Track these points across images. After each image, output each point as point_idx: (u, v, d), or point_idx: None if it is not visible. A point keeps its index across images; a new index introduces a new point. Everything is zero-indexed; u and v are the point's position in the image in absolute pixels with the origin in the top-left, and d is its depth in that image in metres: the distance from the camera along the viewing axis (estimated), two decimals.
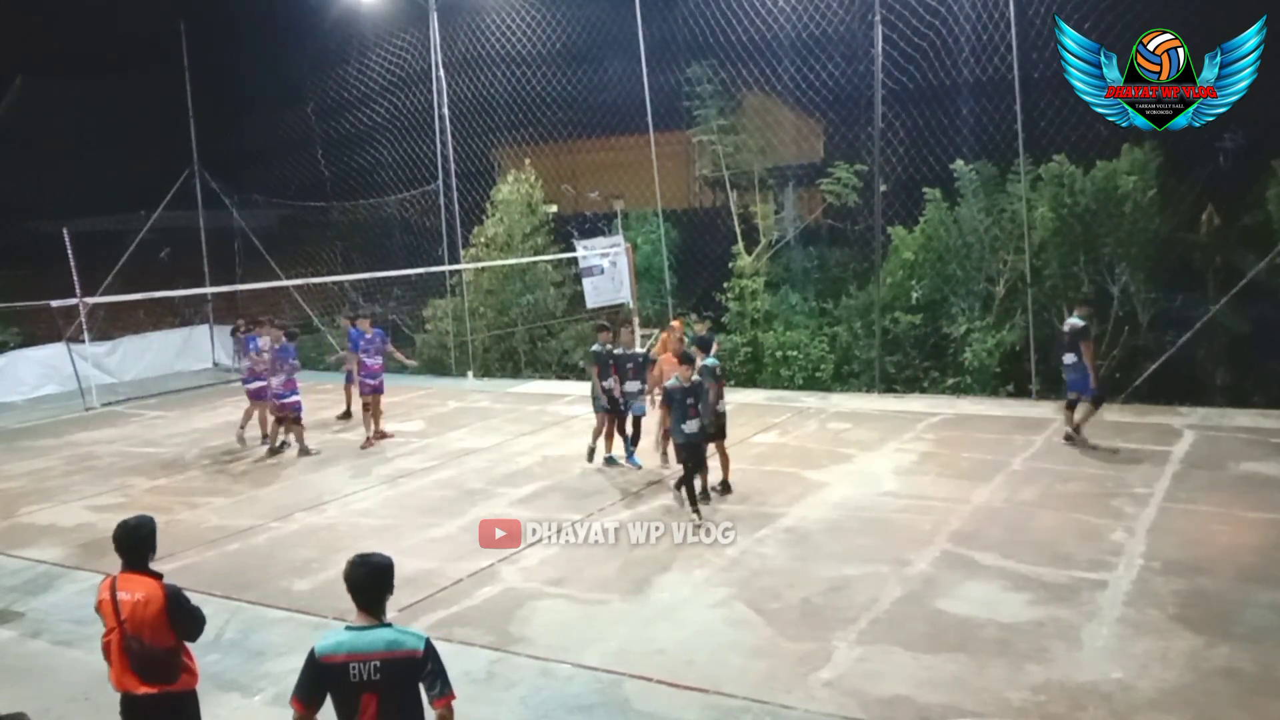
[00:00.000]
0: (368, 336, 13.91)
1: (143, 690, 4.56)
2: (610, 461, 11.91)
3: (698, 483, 10.02)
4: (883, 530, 9.21)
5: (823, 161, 19.25)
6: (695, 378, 9.98)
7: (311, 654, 3.87)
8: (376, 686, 3.77)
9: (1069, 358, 11.83)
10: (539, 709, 6.12)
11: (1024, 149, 15.03)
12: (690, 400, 9.81)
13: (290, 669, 6.74)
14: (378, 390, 13.92)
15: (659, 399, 10.60)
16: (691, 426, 9.80)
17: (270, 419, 13.63)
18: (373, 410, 13.92)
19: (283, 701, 6.33)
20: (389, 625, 3.92)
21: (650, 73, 18.23)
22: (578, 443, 12.69)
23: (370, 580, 3.93)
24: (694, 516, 9.46)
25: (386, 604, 3.98)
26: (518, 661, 6.77)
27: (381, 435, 13.98)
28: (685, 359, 10.22)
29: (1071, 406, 12.12)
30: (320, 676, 3.84)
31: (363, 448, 13.55)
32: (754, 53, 17.46)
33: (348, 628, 3.89)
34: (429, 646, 3.86)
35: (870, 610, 7.38)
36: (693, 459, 9.89)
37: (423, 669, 3.83)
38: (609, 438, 11.97)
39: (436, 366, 20.63)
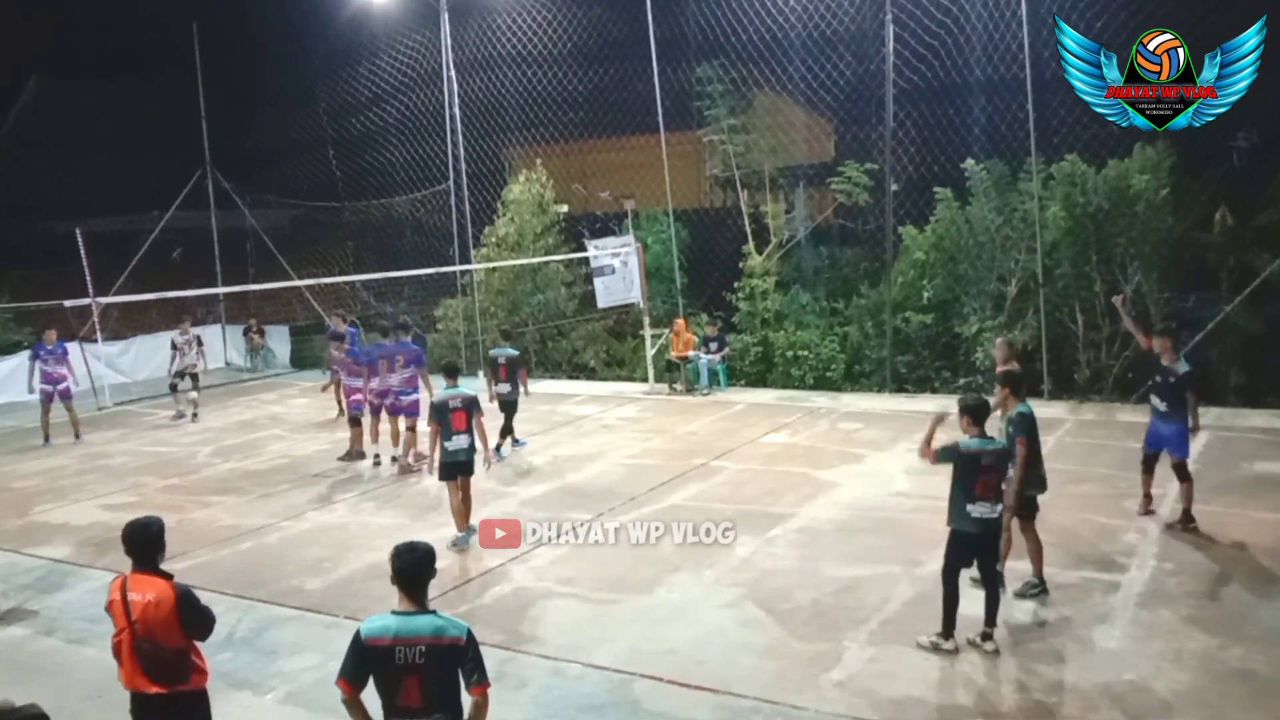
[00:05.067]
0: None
1: (153, 690, 4.58)
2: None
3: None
4: (894, 530, 9.18)
5: (833, 161, 19.26)
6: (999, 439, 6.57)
7: (356, 636, 4.01)
8: (420, 670, 3.94)
9: (1160, 404, 9.11)
10: (550, 708, 6.12)
11: (1036, 148, 14.98)
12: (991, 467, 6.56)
13: (302, 668, 6.83)
14: (394, 411, 12.39)
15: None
16: (982, 509, 6.56)
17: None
18: (410, 433, 12.37)
19: (294, 700, 6.42)
20: (433, 612, 4.06)
21: (661, 73, 18.22)
22: (588, 443, 12.72)
23: (416, 567, 4.07)
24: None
25: (429, 590, 4.12)
26: (528, 661, 6.77)
27: (361, 456, 12.48)
28: (974, 412, 6.60)
29: (1151, 469, 9.32)
30: (366, 658, 3.98)
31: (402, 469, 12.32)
32: (764, 52, 17.48)
33: (394, 612, 4.04)
34: (470, 636, 4.03)
35: (882, 611, 7.38)
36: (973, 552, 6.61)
37: (464, 657, 4.00)
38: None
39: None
